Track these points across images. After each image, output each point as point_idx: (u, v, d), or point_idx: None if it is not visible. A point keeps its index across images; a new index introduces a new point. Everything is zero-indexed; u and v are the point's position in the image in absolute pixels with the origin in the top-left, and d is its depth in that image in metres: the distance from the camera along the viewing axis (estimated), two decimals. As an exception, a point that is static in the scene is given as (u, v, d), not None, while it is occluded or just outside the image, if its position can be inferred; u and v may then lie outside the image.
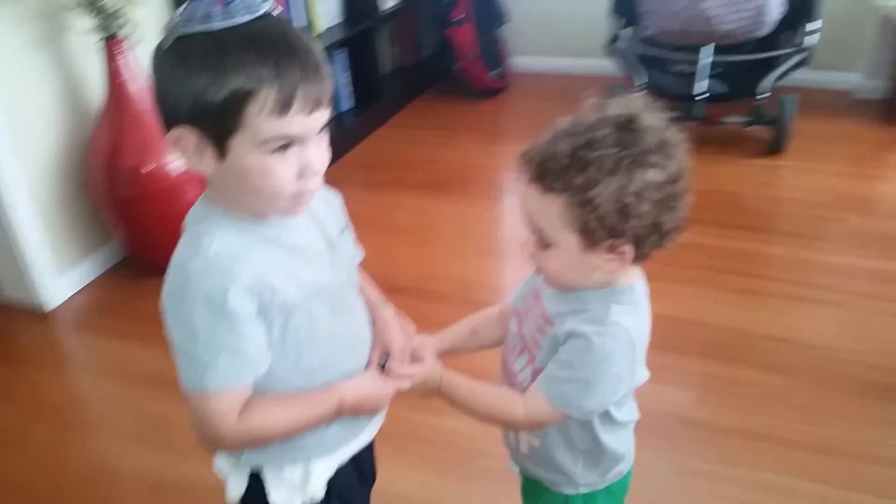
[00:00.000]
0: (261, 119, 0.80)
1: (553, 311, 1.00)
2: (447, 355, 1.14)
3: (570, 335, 0.95)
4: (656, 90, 3.33)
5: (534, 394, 0.99)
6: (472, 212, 3.01)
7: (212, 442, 0.94)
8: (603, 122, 0.88)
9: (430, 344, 1.11)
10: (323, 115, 0.85)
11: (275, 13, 0.83)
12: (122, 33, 2.36)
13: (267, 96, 0.79)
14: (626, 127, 0.87)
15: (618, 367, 0.95)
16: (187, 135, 0.83)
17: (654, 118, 0.90)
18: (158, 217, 2.44)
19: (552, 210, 0.89)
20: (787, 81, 3.20)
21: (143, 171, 2.39)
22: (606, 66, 3.66)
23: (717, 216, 2.77)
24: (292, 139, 0.83)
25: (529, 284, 1.09)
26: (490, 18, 3.99)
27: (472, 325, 1.18)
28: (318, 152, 0.88)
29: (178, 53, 0.80)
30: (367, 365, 1.05)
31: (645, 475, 1.28)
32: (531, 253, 0.97)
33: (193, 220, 0.92)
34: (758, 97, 3.14)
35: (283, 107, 0.80)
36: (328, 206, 1.03)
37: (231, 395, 0.90)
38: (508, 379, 1.09)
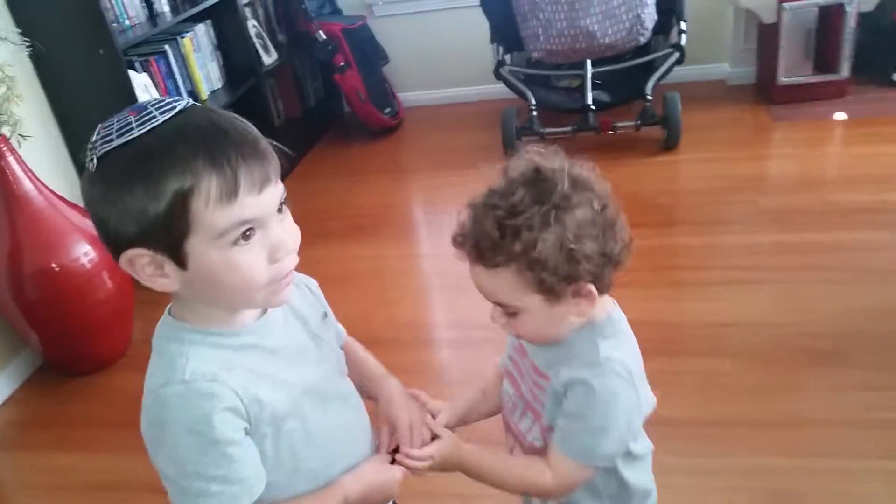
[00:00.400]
0: (210, 212, 0.75)
1: (543, 363, 0.98)
2: (461, 423, 1.11)
3: (569, 385, 0.93)
4: (547, 107, 3.46)
5: (556, 456, 0.96)
6: (395, 252, 2.99)
7: None
8: (512, 185, 0.87)
9: (444, 412, 1.08)
10: (275, 190, 0.80)
11: (189, 105, 0.79)
12: (4, 131, 2.22)
13: (209, 187, 0.74)
14: (536, 180, 0.87)
15: (624, 402, 0.93)
16: (140, 256, 0.78)
17: (554, 162, 0.90)
18: (74, 314, 2.30)
19: (505, 282, 0.88)
20: (666, 80, 3.38)
21: (50, 270, 2.24)
22: (495, 90, 3.75)
23: (632, 218, 2.77)
24: (250, 223, 0.78)
25: (513, 341, 1.06)
26: (371, 60, 4.01)
27: (480, 387, 1.15)
28: (285, 230, 0.82)
29: (104, 174, 0.76)
30: (377, 449, 1.01)
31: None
32: (502, 323, 0.95)
33: (163, 338, 0.86)
34: (644, 100, 3.30)
35: (229, 193, 0.75)
36: (303, 296, 0.98)
37: None
38: (517, 440, 1.07)
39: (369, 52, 4.01)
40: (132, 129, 0.74)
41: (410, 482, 1.01)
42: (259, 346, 0.87)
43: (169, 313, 0.87)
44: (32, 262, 2.23)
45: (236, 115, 0.80)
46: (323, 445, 0.92)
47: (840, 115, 3.44)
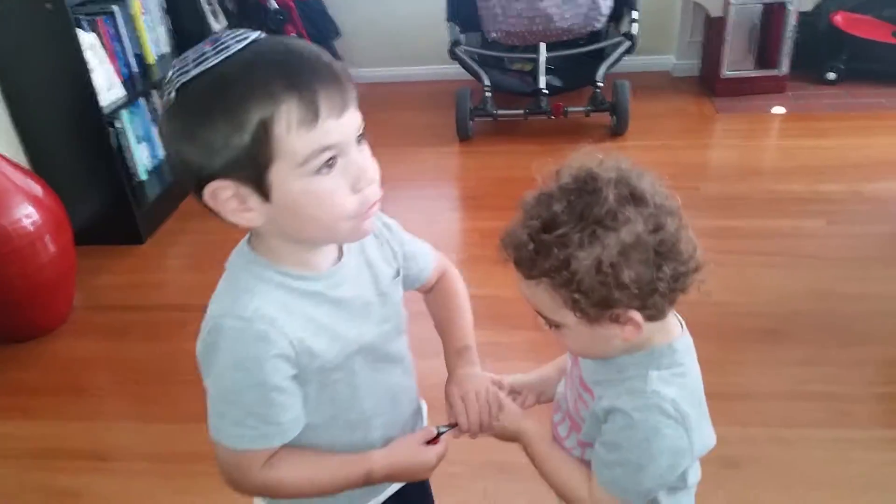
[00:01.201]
0: (292, 138, 0.72)
1: (590, 377, 0.92)
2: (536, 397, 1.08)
3: (609, 412, 0.86)
4: (500, 89, 3.49)
5: (593, 479, 0.90)
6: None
7: (233, 486, 0.89)
8: (557, 195, 0.80)
9: (508, 379, 1.05)
10: (355, 116, 0.77)
11: (262, 35, 0.77)
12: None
13: (289, 111, 0.72)
14: (584, 190, 0.79)
15: (669, 442, 0.83)
16: (224, 189, 0.76)
17: (614, 170, 0.81)
18: (14, 278, 2.22)
19: (542, 294, 0.82)
20: (615, 69, 3.45)
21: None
22: (448, 70, 3.76)
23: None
24: (332, 149, 0.75)
25: None
26: (322, 33, 3.96)
27: (556, 363, 1.09)
28: (366, 159, 0.80)
29: (183, 107, 0.74)
30: (451, 426, 0.99)
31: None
32: (547, 331, 0.89)
33: (237, 266, 0.85)
34: (595, 86, 3.37)
35: (311, 118, 0.72)
36: (381, 248, 0.96)
37: (256, 455, 0.86)
38: (558, 443, 1.01)
39: (321, 25, 3.96)
40: (208, 57, 0.72)
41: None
42: (326, 297, 0.85)
43: (247, 243, 0.86)
44: (-34, 225, 2.14)
45: (310, 43, 0.78)
46: (365, 401, 0.92)
47: (778, 109, 3.59)
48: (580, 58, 3.48)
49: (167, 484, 1.83)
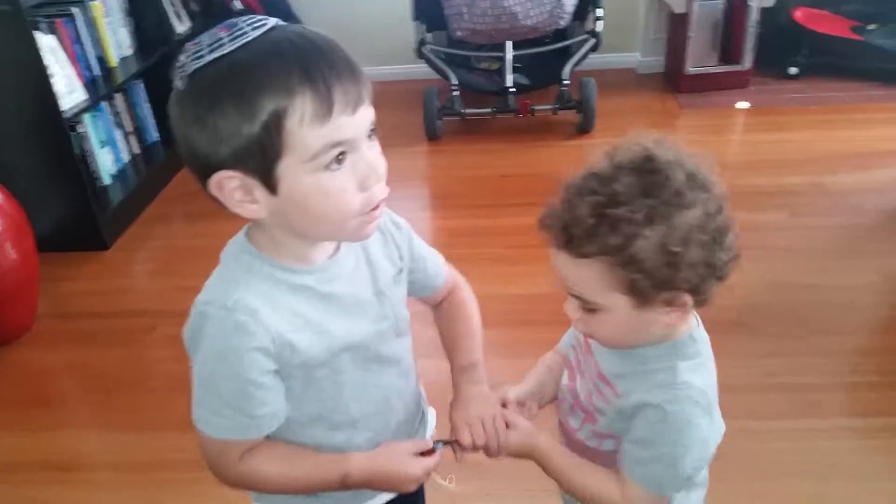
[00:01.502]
0: (304, 131, 0.71)
1: (610, 370, 0.90)
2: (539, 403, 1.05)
3: (640, 408, 0.85)
4: (467, 88, 3.50)
5: (625, 479, 0.89)
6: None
7: (214, 474, 0.89)
8: (620, 170, 0.78)
9: (512, 392, 1.01)
10: (368, 112, 0.76)
11: (280, 23, 0.75)
12: None
13: (303, 105, 0.70)
14: (647, 169, 0.77)
15: (701, 432, 0.84)
16: (230, 179, 0.74)
17: (671, 152, 0.79)
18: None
19: (591, 275, 0.79)
20: (581, 67, 3.47)
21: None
22: (415, 69, 3.76)
23: (549, 198, 2.94)
24: (343, 145, 0.74)
25: (578, 333, 0.98)
26: (288, 34, 3.93)
27: (545, 365, 1.07)
28: (375, 156, 0.78)
29: (194, 92, 0.72)
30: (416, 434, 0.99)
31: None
32: (577, 318, 0.86)
33: (230, 255, 0.84)
34: (561, 84, 3.38)
35: (324, 112, 0.71)
36: (385, 245, 0.93)
37: (233, 445, 0.85)
38: (567, 437, 1.00)
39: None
40: (224, 44, 0.70)
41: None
42: (314, 290, 0.84)
43: (245, 233, 0.85)
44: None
45: (328, 35, 0.76)
46: (351, 402, 0.90)
47: (742, 104, 3.63)
48: (546, 56, 3.49)
49: (134, 494, 1.81)
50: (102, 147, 3.01)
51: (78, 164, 2.74)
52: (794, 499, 1.67)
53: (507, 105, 3.36)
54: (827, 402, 1.90)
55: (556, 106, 3.41)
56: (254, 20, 0.72)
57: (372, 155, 0.77)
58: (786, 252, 2.50)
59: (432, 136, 3.48)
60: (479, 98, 3.50)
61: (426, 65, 3.55)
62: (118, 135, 3.16)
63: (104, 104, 3.04)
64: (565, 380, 1.01)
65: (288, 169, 0.73)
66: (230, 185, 0.75)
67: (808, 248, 2.52)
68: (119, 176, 3.11)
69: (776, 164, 3.06)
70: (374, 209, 0.79)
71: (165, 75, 2.73)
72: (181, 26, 3.62)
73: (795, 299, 2.27)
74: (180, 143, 0.75)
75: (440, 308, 1.07)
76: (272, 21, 0.73)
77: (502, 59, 3.38)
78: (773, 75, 3.80)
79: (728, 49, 3.67)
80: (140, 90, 3.33)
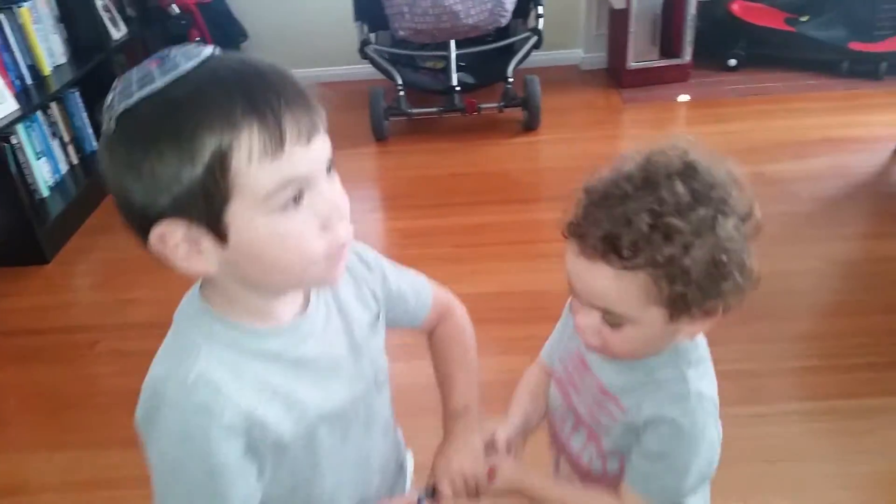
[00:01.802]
0: (253, 170, 0.62)
1: (613, 383, 0.87)
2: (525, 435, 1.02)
3: (653, 422, 0.83)
4: (413, 88, 3.49)
5: (631, 495, 0.87)
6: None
7: None
8: (665, 176, 0.73)
9: (501, 430, 0.97)
10: (324, 143, 0.68)
11: (216, 51, 0.67)
12: None
13: (250, 139, 0.61)
14: (691, 175, 0.73)
15: (710, 438, 0.83)
16: (173, 231, 0.65)
17: (706, 154, 0.75)
18: None
19: (632, 288, 0.74)
20: (525, 65, 3.50)
21: None
22: (360, 70, 3.74)
23: (497, 195, 2.96)
24: (298, 182, 0.65)
25: (565, 344, 0.95)
26: (228, 37, 3.88)
27: (528, 389, 1.03)
28: (335, 192, 0.70)
29: (125, 135, 0.63)
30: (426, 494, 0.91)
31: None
32: (592, 332, 0.81)
33: (184, 317, 0.75)
34: (506, 82, 3.40)
35: (275, 145, 0.62)
36: (357, 287, 0.86)
37: None
38: (567, 457, 0.97)
39: (226, 28, 3.88)
40: (154, 78, 0.62)
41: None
42: (283, 357, 0.75)
43: (199, 290, 0.75)
44: None
45: (274, 61, 0.68)
46: (329, 474, 0.82)
47: (683, 97, 3.70)
48: (490, 54, 3.51)
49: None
50: (39, 158, 2.92)
51: (13, 177, 2.65)
52: (742, 481, 1.70)
53: (454, 104, 3.36)
54: (772, 388, 1.95)
55: (502, 104, 3.42)
56: (187, 49, 0.65)
57: (332, 191, 0.69)
58: (729, 240, 2.55)
59: (380, 136, 3.47)
60: (425, 97, 3.50)
61: (370, 65, 3.53)
62: (55, 145, 3.07)
63: (38, 114, 2.96)
64: (558, 400, 0.97)
65: (238, 214, 0.64)
66: (173, 239, 0.66)
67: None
68: (58, 187, 3.02)
69: (717, 155, 3.11)
70: (339, 252, 0.71)
71: (103, 82, 2.66)
72: (117, 32, 3.53)
73: (739, 287, 2.31)
74: (113, 193, 0.67)
75: (433, 338, 1.01)
76: (208, 49, 0.66)
77: (447, 59, 3.39)
78: (713, 68, 3.87)
79: (668, 43, 3.73)
80: (76, 99, 3.24)
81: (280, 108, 0.63)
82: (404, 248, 2.64)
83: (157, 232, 0.65)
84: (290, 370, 0.76)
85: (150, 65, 0.64)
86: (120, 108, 0.63)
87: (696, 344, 0.85)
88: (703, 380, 0.83)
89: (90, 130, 3.31)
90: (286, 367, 0.75)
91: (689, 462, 0.83)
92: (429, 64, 3.70)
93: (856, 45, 3.61)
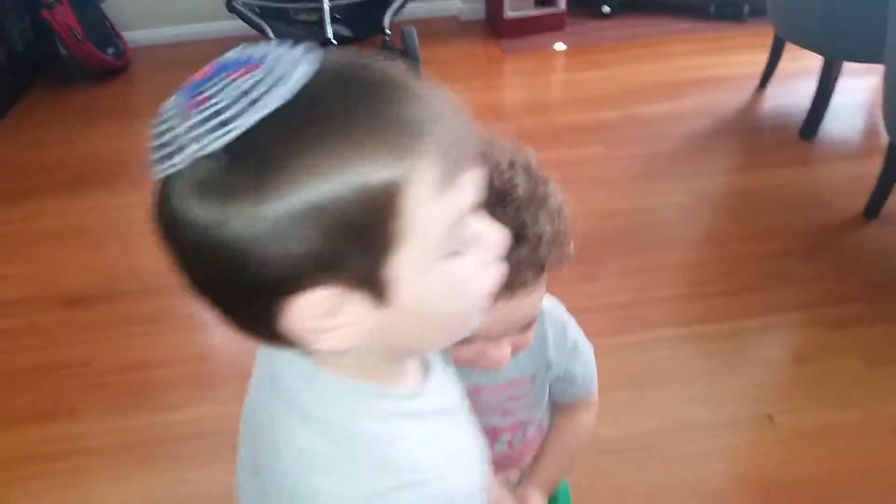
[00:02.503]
0: (426, 208, 0.47)
1: (519, 366, 0.90)
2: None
3: (566, 353, 0.95)
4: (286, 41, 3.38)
5: (588, 400, 1.01)
6: (132, 200, 2.77)
7: None
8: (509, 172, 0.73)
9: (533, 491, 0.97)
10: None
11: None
12: None
13: (425, 168, 0.46)
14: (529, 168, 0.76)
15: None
16: (318, 303, 0.47)
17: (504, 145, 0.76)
18: None
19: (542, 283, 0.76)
20: (403, 17, 3.44)
21: None
22: (231, 26, 3.58)
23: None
24: (471, 213, 0.51)
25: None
26: (85, -5, 3.64)
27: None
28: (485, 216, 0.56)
29: (243, 170, 0.44)
30: None
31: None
32: (507, 353, 0.78)
33: (323, 401, 0.55)
34: (384, 34, 3.33)
35: (451, 174, 0.48)
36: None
37: None
38: (511, 456, 1.00)
39: (83, -13, 3.62)
40: (266, 88, 0.44)
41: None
42: (423, 413, 0.59)
43: (309, 360, 0.55)
44: None
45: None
46: None
47: (560, 46, 3.72)
48: (366, 5, 3.42)
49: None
50: None
51: None
52: (612, 406, 1.73)
53: (329, 58, 3.27)
54: (640, 317, 2.01)
55: (381, 57, 3.35)
56: (280, 49, 0.48)
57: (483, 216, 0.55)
58: (601, 183, 2.60)
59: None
60: (300, 52, 3.39)
61: (240, 20, 3.39)
62: None
63: None
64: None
65: (404, 265, 0.48)
66: (317, 311, 0.48)
67: (621, 177, 2.64)
68: None
69: (592, 101, 3.16)
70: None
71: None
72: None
73: (611, 225, 2.37)
74: (219, 265, 0.46)
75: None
76: (302, 48, 0.49)
77: (320, 11, 3.27)
78: (588, 15, 3.90)
79: (544, -8, 3.75)
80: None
81: (446, 126, 0.48)
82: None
83: (296, 306, 0.47)
84: (439, 425, 0.61)
85: (245, 70, 0.46)
86: (226, 134, 0.44)
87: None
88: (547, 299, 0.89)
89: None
90: (432, 421, 0.60)
91: (587, 346, 0.98)
92: (302, 17, 3.58)
93: (720, -11, 3.73)
